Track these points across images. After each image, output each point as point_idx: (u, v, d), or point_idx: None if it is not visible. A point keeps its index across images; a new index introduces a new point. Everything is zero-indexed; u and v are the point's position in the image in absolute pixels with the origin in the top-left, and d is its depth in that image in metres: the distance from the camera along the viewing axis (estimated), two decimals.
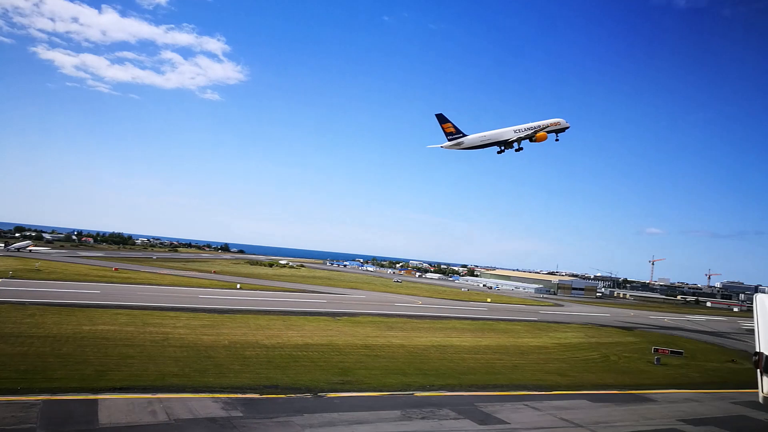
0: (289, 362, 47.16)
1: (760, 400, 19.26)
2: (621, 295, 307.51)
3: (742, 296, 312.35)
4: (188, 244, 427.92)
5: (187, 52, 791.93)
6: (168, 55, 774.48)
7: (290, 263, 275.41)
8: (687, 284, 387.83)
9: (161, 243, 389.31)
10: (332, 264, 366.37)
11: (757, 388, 19.38)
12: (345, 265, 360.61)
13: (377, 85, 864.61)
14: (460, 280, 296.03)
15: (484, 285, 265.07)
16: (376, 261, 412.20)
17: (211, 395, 32.49)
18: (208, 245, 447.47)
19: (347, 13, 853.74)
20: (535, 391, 43.71)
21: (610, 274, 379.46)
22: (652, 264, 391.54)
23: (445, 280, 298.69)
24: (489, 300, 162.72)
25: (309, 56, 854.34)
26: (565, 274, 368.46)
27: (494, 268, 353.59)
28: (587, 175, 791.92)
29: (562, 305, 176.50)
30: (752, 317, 20.13)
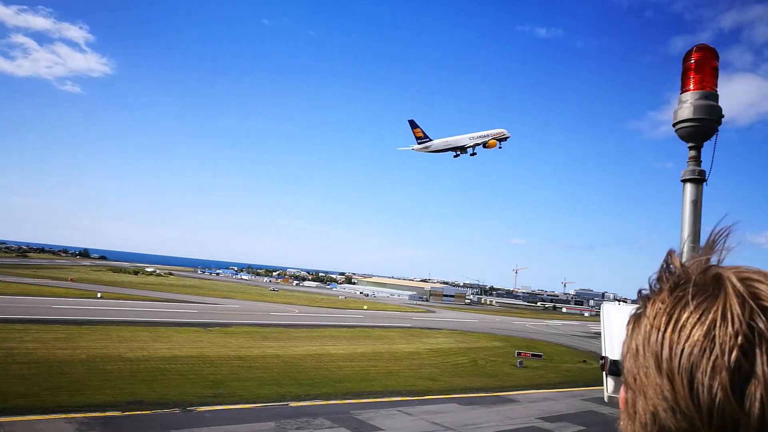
0: (156, 376, 44.34)
1: (605, 399, 21.34)
2: (488, 302, 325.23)
3: (591, 302, 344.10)
4: (40, 249, 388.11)
5: (42, 38, 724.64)
6: (19, 39, 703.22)
7: (158, 271, 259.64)
8: (546, 291, 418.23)
9: (7, 247, 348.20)
10: (204, 272, 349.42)
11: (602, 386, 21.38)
12: (218, 274, 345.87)
13: (254, 87, 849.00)
14: (338, 288, 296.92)
15: (361, 292, 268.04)
16: (252, 269, 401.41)
17: (64, 415, 29.62)
18: (65, 250, 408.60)
19: (226, 12, 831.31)
20: (409, 396, 44.82)
21: (478, 282, 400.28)
22: (516, 272, 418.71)
23: (322, 288, 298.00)
24: (365, 307, 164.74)
25: (183, 52, 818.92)
26: (437, 282, 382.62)
27: (371, 276, 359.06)
28: (458, 187, 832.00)
29: (434, 311, 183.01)
30: (599, 322, 22.32)
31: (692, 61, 3.19)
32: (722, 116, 3.13)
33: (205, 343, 65.47)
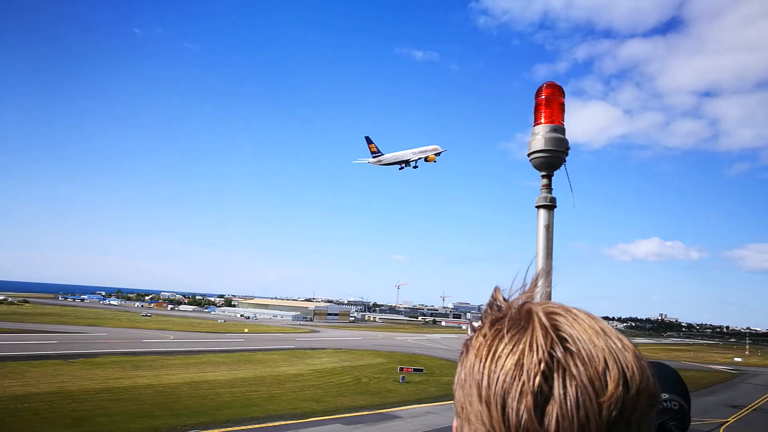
0: (5, 417, 39.68)
1: None
2: (371, 318, 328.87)
3: (468, 315, 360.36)
4: None
5: None
6: None
7: (9, 298, 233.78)
8: (426, 306, 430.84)
9: None
10: (66, 298, 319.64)
11: None
12: (82, 299, 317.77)
13: (109, 105, 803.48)
14: (217, 312, 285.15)
15: (241, 315, 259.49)
16: (122, 293, 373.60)
17: None
18: None
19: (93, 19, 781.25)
20: (292, 420, 43.93)
21: (361, 299, 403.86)
22: (398, 288, 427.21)
23: (200, 312, 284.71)
24: (246, 330, 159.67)
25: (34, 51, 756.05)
26: (322, 301, 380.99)
27: (253, 297, 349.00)
28: (341, 205, 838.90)
29: (318, 331, 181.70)
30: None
31: (543, 97, 3.46)
32: (569, 148, 3.39)
33: (66, 376, 59.69)
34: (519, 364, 1.07)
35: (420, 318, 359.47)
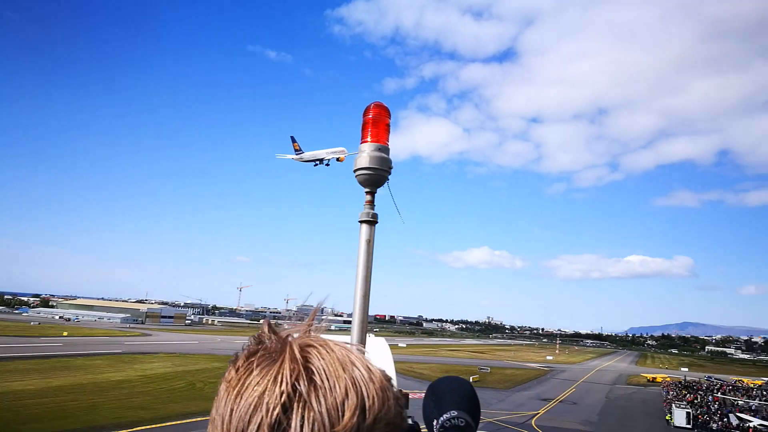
0: None
1: None
2: (210, 322, 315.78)
3: (267, 313, 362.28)
4: None
5: None
6: None
7: None
8: (269, 308, 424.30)
9: None
10: None
11: None
12: None
13: None
14: (30, 313, 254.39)
15: (60, 317, 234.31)
16: None
17: None
18: None
19: None
20: (115, 430, 40.69)
21: (199, 301, 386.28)
22: (240, 290, 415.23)
23: (9, 313, 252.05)
24: (65, 333, 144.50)
25: None
26: (155, 302, 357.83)
27: (75, 298, 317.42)
28: (181, 205, 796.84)
29: (150, 334, 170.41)
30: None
31: (370, 116, 3.62)
32: (392, 167, 3.57)
33: None
34: (261, 398, 1.10)
35: (262, 321, 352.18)
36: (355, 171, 3.56)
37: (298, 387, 1.11)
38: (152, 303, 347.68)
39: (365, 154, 3.53)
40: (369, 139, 3.56)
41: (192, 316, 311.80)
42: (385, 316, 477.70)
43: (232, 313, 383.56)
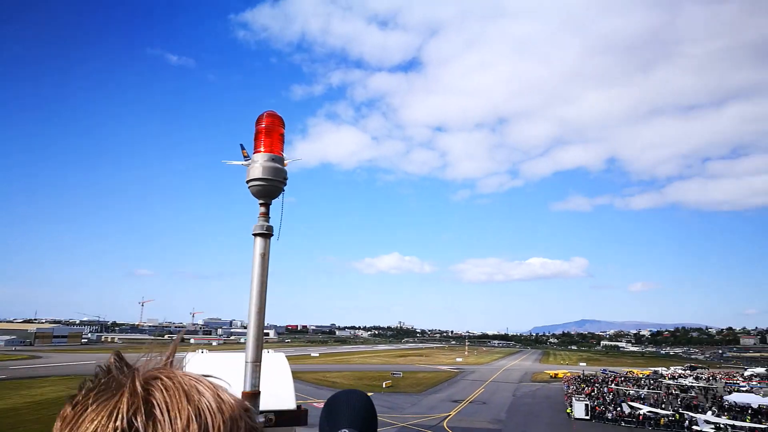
0: None
1: None
2: (109, 339, 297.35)
3: (219, 331, 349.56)
4: None
5: None
6: None
7: None
8: (174, 323, 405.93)
9: None
10: None
11: None
12: None
13: None
14: None
15: None
16: None
17: None
18: None
19: None
20: None
21: (98, 318, 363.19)
22: (142, 305, 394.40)
23: None
24: None
25: None
26: (46, 321, 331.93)
27: None
28: (72, 214, 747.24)
29: (41, 356, 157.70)
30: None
31: (263, 125, 3.50)
32: (286, 178, 3.46)
33: None
34: None
35: (167, 336, 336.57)
36: (247, 182, 3.40)
37: (135, 422, 1.05)
38: (43, 322, 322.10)
39: (258, 165, 3.38)
40: (262, 149, 3.43)
41: (89, 335, 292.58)
42: (297, 326, 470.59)
43: (134, 329, 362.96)
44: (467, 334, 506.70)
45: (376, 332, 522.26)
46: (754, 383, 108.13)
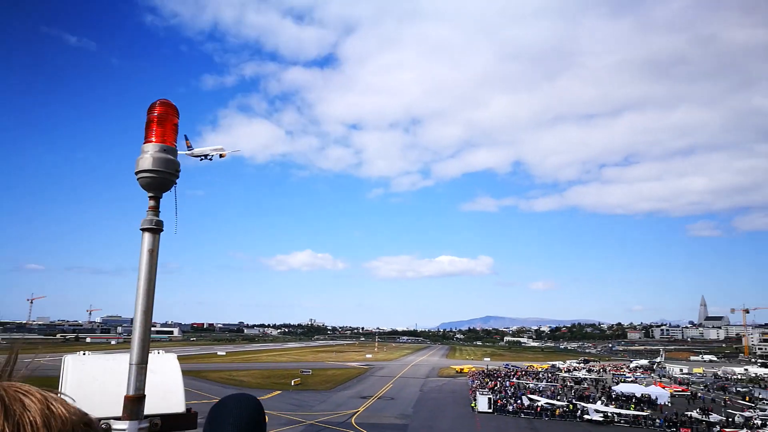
0: None
1: None
2: None
3: (120, 329, 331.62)
4: None
5: None
6: None
7: None
8: (68, 321, 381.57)
9: None
10: None
11: None
12: None
13: None
14: None
15: None
16: None
17: None
18: None
19: None
20: None
21: None
22: (31, 302, 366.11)
23: None
24: None
25: None
26: None
27: None
28: None
29: None
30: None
31: (155, 114, 3.31)
32: (179, 170, 3.29)
33: None
34: None
35: (59, 335, 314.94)
36: (136, 173, 3.17)
37: None
38: None
39: (148, 155, 3.13)
40: (153, 139, 3.22)
41: None
42: (203, 324, 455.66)
43: (22, 328, 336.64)
44: (377, 330, 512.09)
45: (287, 330, 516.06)
46: (638, 374, 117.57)
